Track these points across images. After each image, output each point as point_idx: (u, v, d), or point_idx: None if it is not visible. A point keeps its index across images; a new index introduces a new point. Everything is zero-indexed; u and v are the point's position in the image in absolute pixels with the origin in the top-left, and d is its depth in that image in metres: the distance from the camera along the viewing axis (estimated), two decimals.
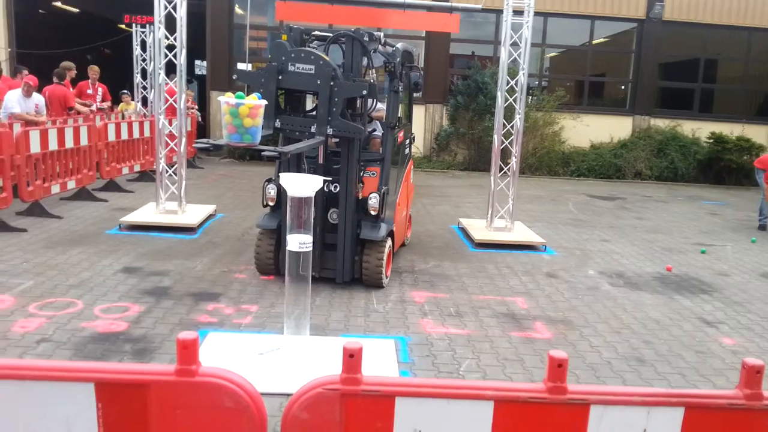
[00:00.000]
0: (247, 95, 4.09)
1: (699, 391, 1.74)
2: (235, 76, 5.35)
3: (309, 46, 5.44)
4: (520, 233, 7.74)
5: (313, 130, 5.01)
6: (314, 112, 5.39)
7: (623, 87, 16.59)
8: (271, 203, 5.56)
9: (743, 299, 5.92)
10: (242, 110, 4.02)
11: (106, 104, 12.67)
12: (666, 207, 11.24)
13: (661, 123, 15.44)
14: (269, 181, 5.59)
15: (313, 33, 5.62)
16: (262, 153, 4.48)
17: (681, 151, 14.84)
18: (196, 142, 4.72)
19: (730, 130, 15.01)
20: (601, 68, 16.68)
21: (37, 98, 9.64)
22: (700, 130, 15.20)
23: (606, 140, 15.36)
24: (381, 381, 1.58)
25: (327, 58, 4.98)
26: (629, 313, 5.34)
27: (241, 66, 10.90)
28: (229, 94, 4.08)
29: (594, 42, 15.78)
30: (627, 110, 15.87)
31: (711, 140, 14.90)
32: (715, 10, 15.29)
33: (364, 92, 5.01)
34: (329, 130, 5.02)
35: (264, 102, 4.16)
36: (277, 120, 5.04)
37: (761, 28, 15.44)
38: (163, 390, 1.50)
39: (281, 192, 5.39)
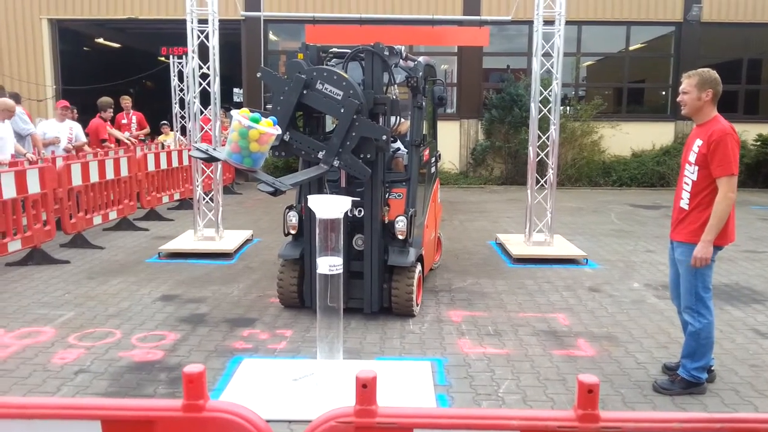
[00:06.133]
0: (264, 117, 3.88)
1: (743, 415, 1.60)
2: (259, 74, 5.04)
3: (327, 64, 5.23)
4: (560, 247, 7.56)
5: (320, 155, 4.80)
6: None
7: (663, 92, 16.21)
8: (292, 231, 5.34)
9: None
10: (252, 134, 3.80)
11: (144, 131, 12.96)
12: None
13: None
14: (290, 208, 5.37)
15: (331, 50, 5.37)
16: (257, 186, 4.32)
17: None
18: (196, 148, 4.41)
19: None
20: (639, 74, 16.34)
21: (72, 124, 10.06)
22: (746, 132, 14.63)
23: (648, 147, 15.00)
24: (397, 412, 1.50)
25: (359, 90, 4.75)
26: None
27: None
28: (246, 110, 3.86)
29: (631, 48, 15.48)
30: (668, 116, 15.48)
31: (758, 143, 14.39)
32: (756, 9, 14.86)
33: (384, 137, 4.76)
34: (336, 162, 4.78)
35: (277, 131, 3.96)
36: (288, 133, 4.78)
37: None
38: (169, 426, 1.45)
39: (303, 219, 5.30)
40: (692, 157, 3.85)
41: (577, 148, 14.51)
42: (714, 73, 3.85)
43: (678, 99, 3.96)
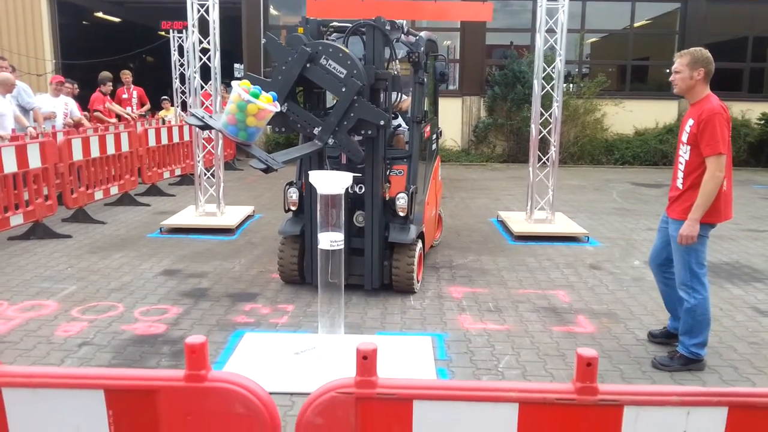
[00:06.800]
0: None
1: (742, 389, 1.61)
2: (264, 41, 4.92)
3: (327, 38, 5.17)
4: (562, 224, 7.56)
5: (316, 131, 4.75)
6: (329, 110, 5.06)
7: (667, 70, 16.02)
8: (293, 208, 5.32)
9: None
10: (250, 108, 3.75)
11: (145, 107, 12.90)
12: None
13: None
14: (290, 184, 5.35)
15: (331, 24, 5.28)
16: (249, 163, 4.26)
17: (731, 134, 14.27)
18: (192, 114, 4.30)
19: None
20: (644, 52, 16.17)
21: (67, 99, 10.03)
22: (750, 111, 14.59)
23: (651, 126, 14.91)
24: (397, 384, 1.51)
25: (362, 71, 4.65)
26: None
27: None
28: (246, 82, 3.81)
29: (636, 25, 15.31)
30: (672, 94, 15.19)
31: (762, 122, 14.30)
32: None
33: (382, 122, 4.69)
34: (330, 141, 4.73)
35: (276, 109, 3.91)
36: (286, 104, 4.69)
37: None
38: (172, 396, 1.47)
39: (303, 196, 5.27)
40: (685, 137, 3.87)
41: (579, 125, 14.43)
42: (706, 52, 3.83)
43: (671, 78, 3.95)
